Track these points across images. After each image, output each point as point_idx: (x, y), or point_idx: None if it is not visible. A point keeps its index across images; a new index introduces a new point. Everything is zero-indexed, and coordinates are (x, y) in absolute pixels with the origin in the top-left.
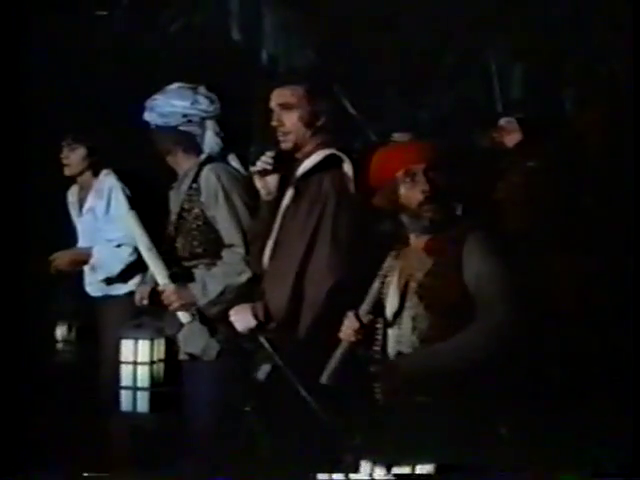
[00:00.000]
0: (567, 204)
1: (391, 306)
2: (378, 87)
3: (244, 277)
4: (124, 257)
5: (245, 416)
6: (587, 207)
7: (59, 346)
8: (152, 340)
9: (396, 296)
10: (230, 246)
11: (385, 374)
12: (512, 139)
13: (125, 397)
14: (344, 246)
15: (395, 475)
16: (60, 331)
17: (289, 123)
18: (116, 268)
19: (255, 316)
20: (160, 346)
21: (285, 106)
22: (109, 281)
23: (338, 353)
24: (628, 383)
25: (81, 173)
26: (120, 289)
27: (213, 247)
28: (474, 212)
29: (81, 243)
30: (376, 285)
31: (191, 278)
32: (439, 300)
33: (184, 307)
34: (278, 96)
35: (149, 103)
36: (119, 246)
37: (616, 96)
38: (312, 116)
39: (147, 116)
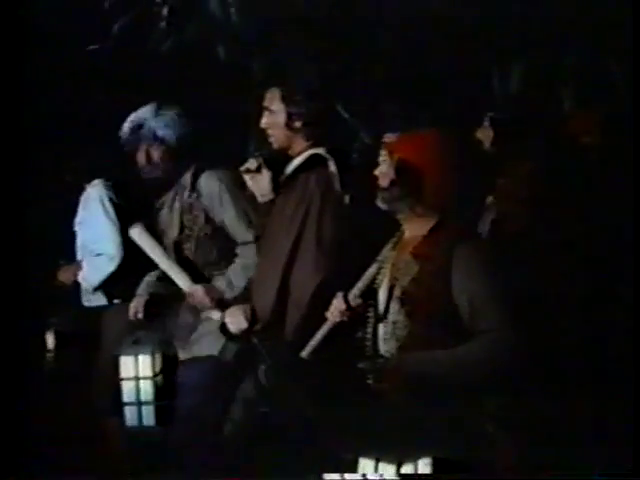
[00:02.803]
0: (560, 207)
1: (381, 301)
2: (373, 88)
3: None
4: (102, 266)
5: (258, 417)
6: (584, 211)
7: (49, 355)
8: (153, 354)
9: (385, 294)
10: (245, 243)
11: (384, 374)
12: (488, 138)
13: (130, 413)
14: (329, 246)
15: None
16: (50, 339)
17: (270, 125)
18: (96, 279)
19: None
20: (159, 359)
21: (265, 109)
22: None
23: (322, 331)
24: (628, 383)
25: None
26: (103, 301)
27: (226, 250)
28: (463, 216)
29: (79, 253)
30: (372, 271)
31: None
32: (421, 309)
33: (215, 305)
34: (272, 95)
35: (162, 120)
36: (98, 255)
37: (616, 96)
38: (289, 118)
39: (164, 133)
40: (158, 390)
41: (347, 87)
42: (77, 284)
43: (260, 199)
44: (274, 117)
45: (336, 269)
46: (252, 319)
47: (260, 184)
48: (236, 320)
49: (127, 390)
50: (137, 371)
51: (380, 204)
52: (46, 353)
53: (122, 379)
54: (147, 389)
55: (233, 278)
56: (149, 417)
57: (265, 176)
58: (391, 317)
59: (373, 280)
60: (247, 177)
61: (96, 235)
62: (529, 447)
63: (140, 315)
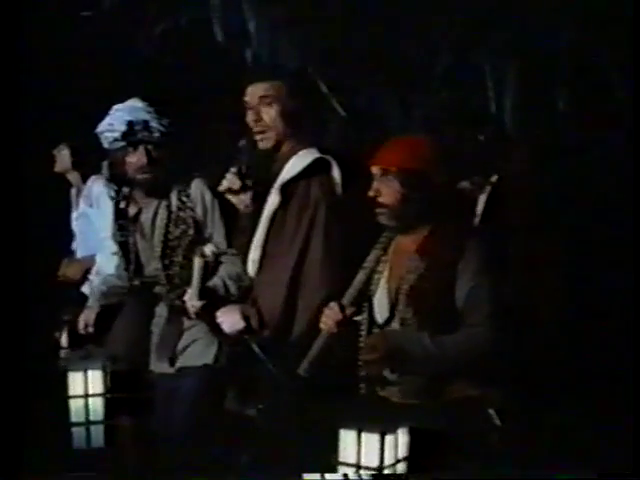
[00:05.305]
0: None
1: (381, 308)
2: (370, 87)
3: (248, 280)
4: (113, 256)
5: (253, 416)
6: (583, 210)
7: (63, 353)
8: (105, 369)
9: (386, 299)
10: (232, 254)
11: (369, 343)
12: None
13: (77, 434)
14: (336, 251)
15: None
16: (64, 337)
17: (268, 118)
18: (110, 268)
19: (244, 318)
20: (109, 376)
21: (265, 99)
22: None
23: (318, 344)
24: (628, 383)
25: (66, 172)
26: None
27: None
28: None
29: (79, 248)
30: (360, 278)
31: None
32: (428, 306)
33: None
34: (258, 89)
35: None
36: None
37: (614, 97)
38: (293, 113)
39: (144, 136)
40: (108, 408)
41: (341, 86)
42: (84, 279)
43: (244, 210)
44: (264, 114)
45: (345, 275)
46: (260, 323)
47: (243, 199)
48: (231, 319)
49: (75, 409)
50: (86, 388)
51: (386, 222)
52: (60, 351)
53: (70, 397)
54: (97, 407)
55: (228, 283)
56: (98, 438)
57: (248, 193)
58: (399, 315)
59: (364, 287)
60: (229, 194)
61: (106, 226)
62: (528, 447)
63: (90, 329)
